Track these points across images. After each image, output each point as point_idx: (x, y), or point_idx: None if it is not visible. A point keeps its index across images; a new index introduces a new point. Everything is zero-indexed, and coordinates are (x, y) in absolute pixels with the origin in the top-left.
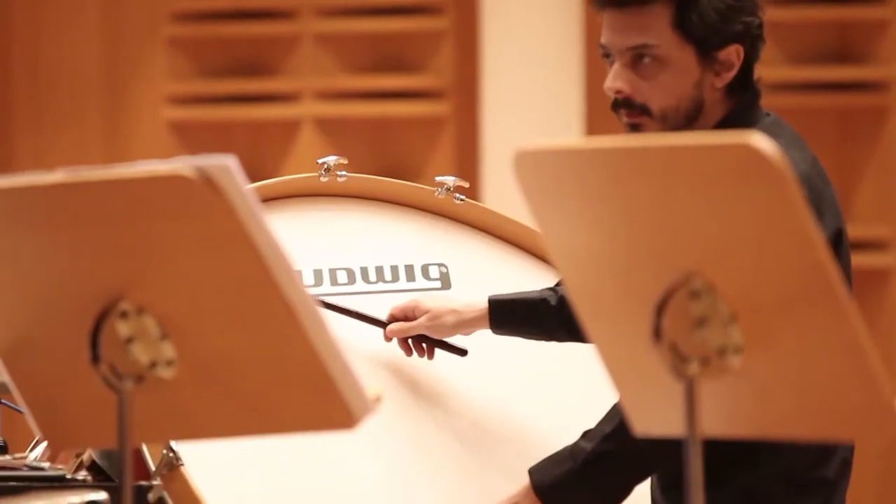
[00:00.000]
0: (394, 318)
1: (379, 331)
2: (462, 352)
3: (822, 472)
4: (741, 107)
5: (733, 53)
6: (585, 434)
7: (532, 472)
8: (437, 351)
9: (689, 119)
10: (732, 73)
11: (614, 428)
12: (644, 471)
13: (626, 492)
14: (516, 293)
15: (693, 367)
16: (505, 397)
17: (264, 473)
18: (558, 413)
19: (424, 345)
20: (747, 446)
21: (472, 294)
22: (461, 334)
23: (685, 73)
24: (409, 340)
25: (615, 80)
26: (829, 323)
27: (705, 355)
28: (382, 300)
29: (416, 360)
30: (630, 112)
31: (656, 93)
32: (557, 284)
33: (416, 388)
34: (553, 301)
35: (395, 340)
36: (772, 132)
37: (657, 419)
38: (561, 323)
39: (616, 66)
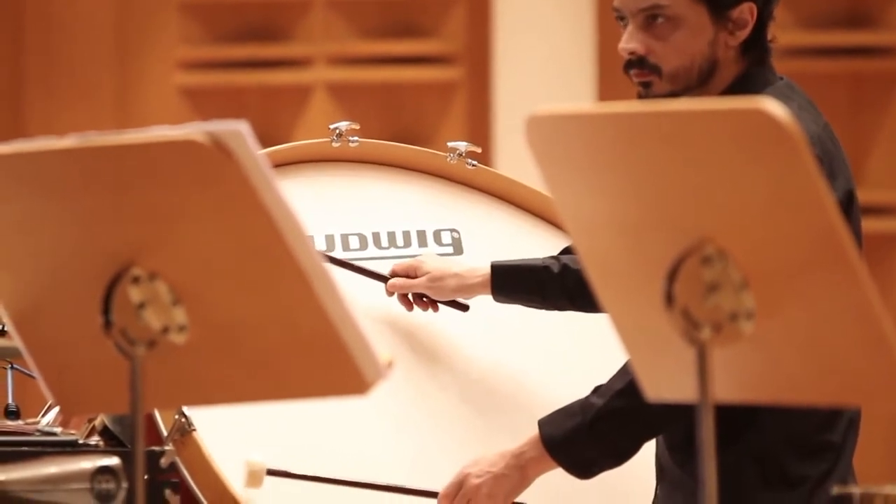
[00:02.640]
0: (395, 276)
1: (380, 290)
2: (464, 307)
3: (828, 436)
4: (754, 65)
5: (746, 11)
6: (596, 389)
7: (542, 424)
8: (441, 310)
9: (703, 78)
10: (746, 32)
11: (625, 385)
12: (654, 429)
13: (635, 449)
14: (519, 260)
15: (705, 333)
16: (511, 359)
17: (275, 438)
18: (565, 374)
19: (425, 299)
20: (754, 410)
21: (483, 259)
22: (461, 298)
23: (698, 32)
24: (410, 295)
25: (629, 41)
26: (841, 288)
27: (717, 321)
28: (379, 271)
29: (421, 323)
30: (640, 71)
31: (670, 53)
32: (562, 252)
33: (421, 351)
34: (556, 269)
35: (395, 296)
36: (784, 95)
37: (669, 384)
38: (563, 291)
39: (630, 27)
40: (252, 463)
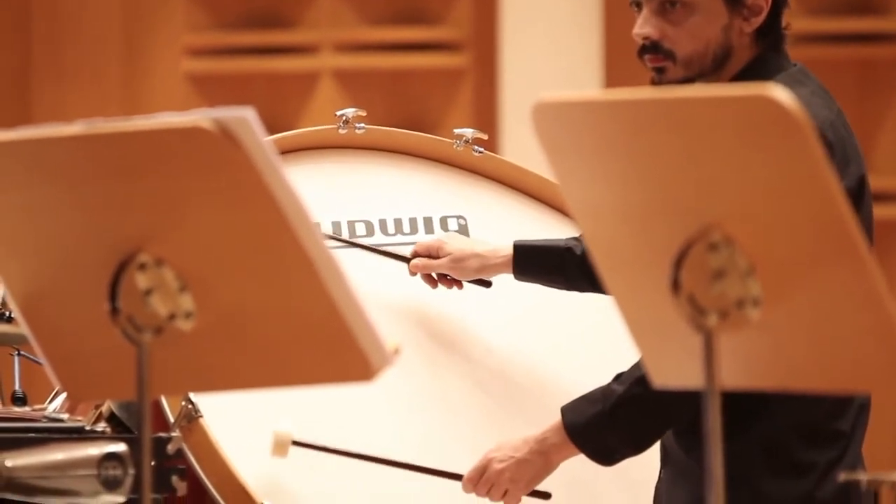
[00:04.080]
0: (417, 255)
1: (400, 275)
2: (487, 283)
3: (838, 424)
4: (768, 51)
5: None
6: (618, 377)
7: (564, 410)
8: (459, 300)
9: (718, 64)
10: (761, 18)
11: (646, 372)
12: (674, 417)
13: (657, 436)
14: (542, 240)
15: (712, 320)
16: (528, 347)
17: (283, 425)
18: (583, 361)
19: (449, 277)
20: (763, 398)
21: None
22: (483, 277)
23: (713, 17)
24: (434, 273)
25: (643, 26)
26: (848, 275)
27: (724, 308)
28: (401, 252)
29: (439, 310)
30: (655, 56)
31: (684, 38)
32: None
33: (438, 339)
34: (578, 251)
35: (418, 275)
36: (797, 81)
37: (676, 371)
38: (584, 273)
39: (644, 12)
40: (279, 433)
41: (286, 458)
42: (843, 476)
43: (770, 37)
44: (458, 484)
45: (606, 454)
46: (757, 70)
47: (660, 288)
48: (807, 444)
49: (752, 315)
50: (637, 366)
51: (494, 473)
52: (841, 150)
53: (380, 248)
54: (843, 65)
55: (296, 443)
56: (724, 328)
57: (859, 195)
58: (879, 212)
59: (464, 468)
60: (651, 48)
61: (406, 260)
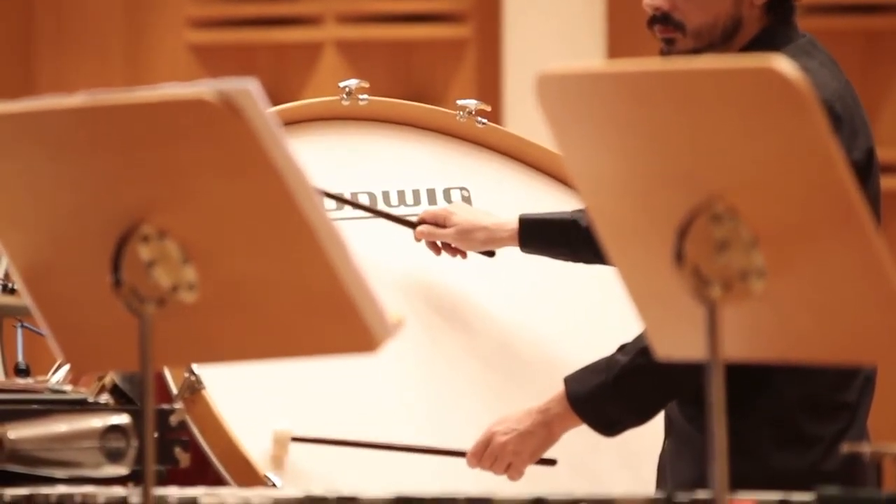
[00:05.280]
0: (423, 222)
1: (404, 253)
2: (490, 253)
3: (843, 396)
4: (777, 23)
5: None
6: (622, 347)
7: (568, 380)
8: (462, 272)
9: (727, 36)
10: None
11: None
12: (677, 388)
13: (659, 407)
14: (547, 213)
15: (715, 291)
16: (531, 319)
17: (286, 397)
18: (586, 335)
19: (453, 246)
20: (767, 371)
21: None
22: (489, 249)
23: None
24: (439, 241)
25: None
26: (852, 247)
27: (727, 279)
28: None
29: (443, 283)
30: (665, 28)
31: (694, 10)
32: None
33: (441, 311)
34: (583, 223)
35: (423, 242)
36: (805, 52)
37: (679, 343)
38: (589, 245)
39: None
40: (277, 432)
41: (287, 454)
42: (846, 448)
43: (780, 9)
44: (462, 460)
45: (609, 425)
46: (765, 42)
47: (663, 260)
48: (812, 417)
49: (756, 287)
50: (641, 336)
51: (498, 446)
52: (849, 122)
53: (386, 213)
54: (848, 35)
55: (295, 439)
56: (728, 300)
57: (867, 168)
58: (884, 183)
59: (467, 442)
60: (661, 19)
61: (412, 226)
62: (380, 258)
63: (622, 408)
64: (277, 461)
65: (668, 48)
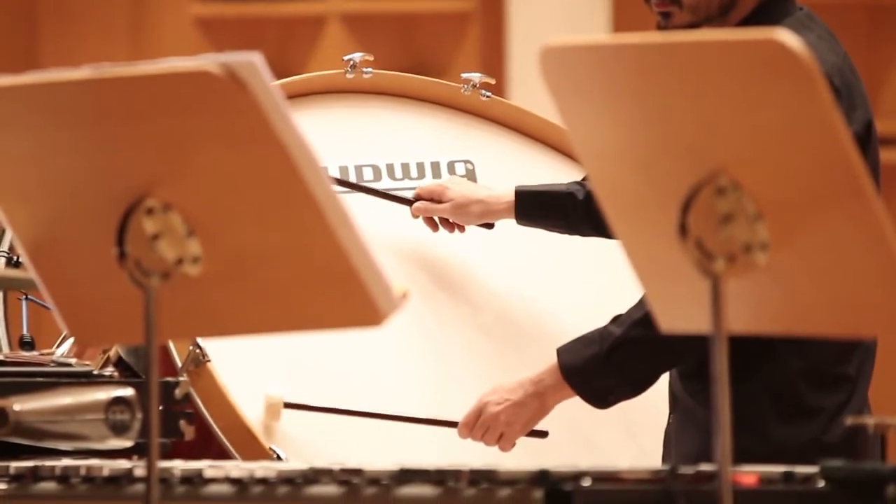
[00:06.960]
0: (419, 199)
1: (404, 219)
2: (489, 225)
3: (844, 368)
4: None
5: None
6: (615, 319)
7: (560, 352)
8: (462, 244)
9: (724, 9)
10: None
11: (644, 314)
12: (671, 359)
13: (652, 379)
14: (544, 185)
15: (719, 264)
16: (531, 291)
17: (290, 370)
18: (586, 305)
19: (451, 220)
20: (769, 343)
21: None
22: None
23: None
24: (436, 217)
25: None
26: (856, 219)
27: (731, 252)
28: (404, 195)
29: (442, 255)
30: (661, 1)
31: None
32: (584, 179)
33: (440, 283)
34: (580, 195)
35: (420, 219)
36: (803, 25)
37: (683, 316)
38: (587, 217)
39: None
40: (270, 396)
41: (279, 421)
42: (849, 420)
43: None
44: (453, 430)
45: (602, 396)
46: (763, 15)
47: (667, 233)
48: (813, 389)
49: (760, 259)
50: (635, 308)
51: (490, 417)
52: (847, 95)
53: (382, 191)
54: (852, 9)
55: (287, 405)
56: (732, 273)
57: (866, 140)
58: (886, 156)
59: (464, 414)
60: None
61: (409, 203)
62: (379, 230)
63: (615, 379)
64: (269, 428)
65: (665, 22)
